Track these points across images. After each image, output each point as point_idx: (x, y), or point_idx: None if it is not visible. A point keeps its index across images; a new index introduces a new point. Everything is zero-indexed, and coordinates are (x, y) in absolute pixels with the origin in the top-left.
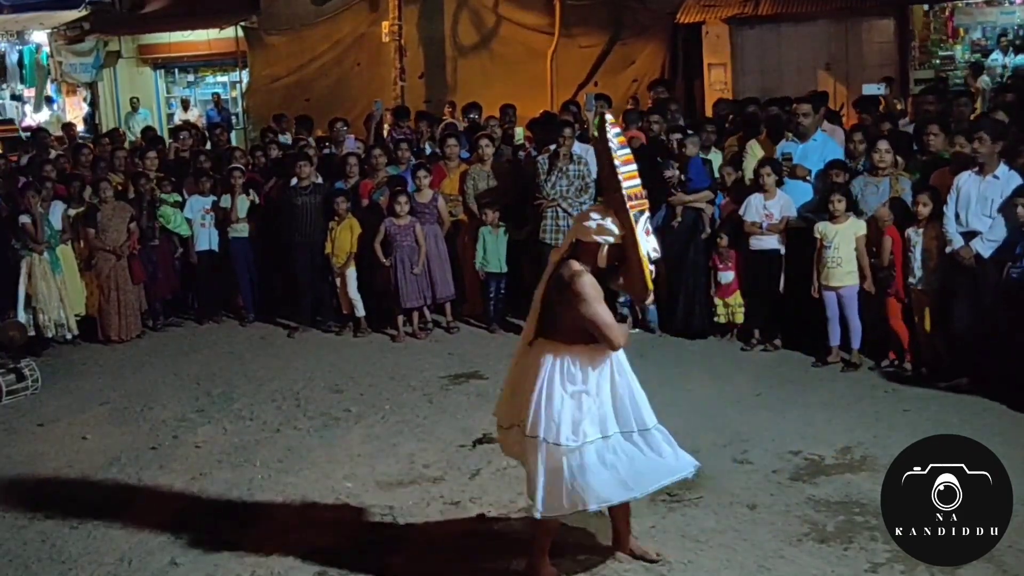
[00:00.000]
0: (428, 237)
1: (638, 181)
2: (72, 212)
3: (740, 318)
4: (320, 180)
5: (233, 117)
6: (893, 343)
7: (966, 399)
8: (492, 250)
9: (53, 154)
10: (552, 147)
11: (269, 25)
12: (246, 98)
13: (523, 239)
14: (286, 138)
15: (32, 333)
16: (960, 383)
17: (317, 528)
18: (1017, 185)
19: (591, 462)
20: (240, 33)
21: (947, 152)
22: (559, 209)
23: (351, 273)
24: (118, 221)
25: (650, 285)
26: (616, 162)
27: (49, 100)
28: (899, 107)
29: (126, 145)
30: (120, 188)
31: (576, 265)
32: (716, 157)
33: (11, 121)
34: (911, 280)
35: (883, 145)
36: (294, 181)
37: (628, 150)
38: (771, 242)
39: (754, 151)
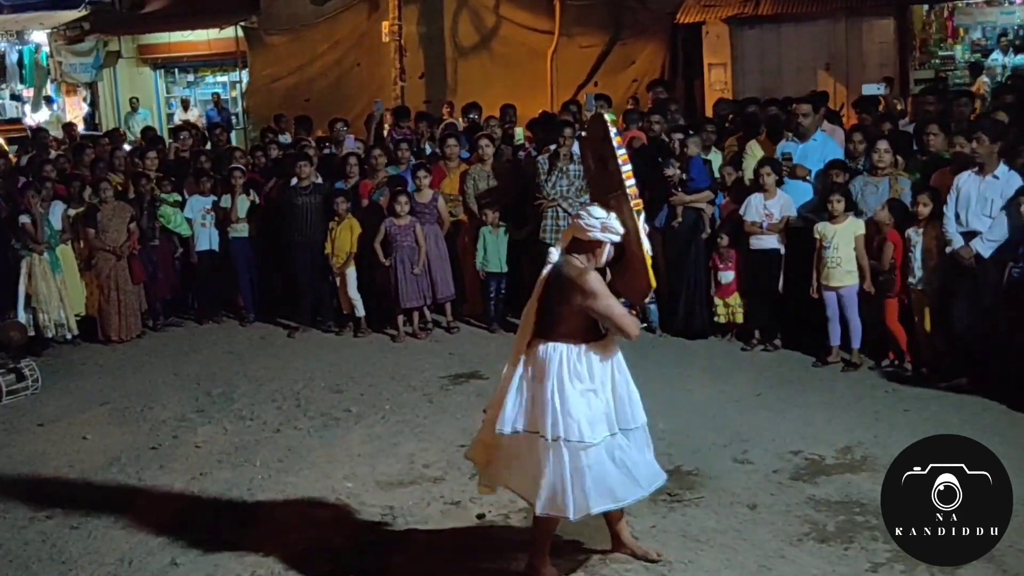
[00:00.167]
0: (428, 237)
1: (634, 181)
2: (72, 212)
3: (740, 318)
4: (320, 180)
5: (233, 117)
6: (892, 344)
7: (966, 399)
8: (492, 250)
9: (53, 154)
10: (552, 147)
11: (269, 25)
12: (246, 98)
13: (523, 239)
14: (286, 138)
15: (32, 333)
16: (960, 383)
17: (317, 528)
18: (1019, 185)
19: (605, 460)
20: (240, 33)
21: (947, 152)
22: (559, 209)
23: (351, 273)
24: (118, 221)
25: (653, 282)
26: (619, 161)
27: (49, 100)
28: (899, 107)
29: (126, 145)
30: (120, 188)
31: (578, 263)
32: (716, 157)
33: (18, 120)
34: (911, 280)
35: (882, 145)
36: (294, 181)
37: (624, 150)
38: (771, 242)
39: (754, 151)
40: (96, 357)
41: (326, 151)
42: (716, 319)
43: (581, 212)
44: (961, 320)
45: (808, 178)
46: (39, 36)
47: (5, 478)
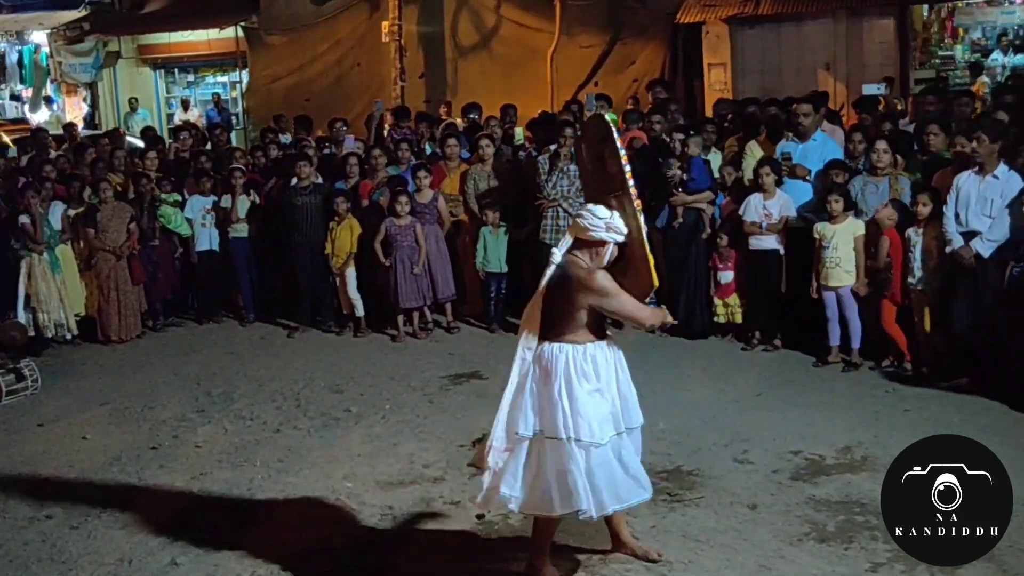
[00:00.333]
0: (428, 237)
1: (634, 181)
2: (72, 212)
3: (739, 318)
4: (320, 180)
5: (233, 117)
6: (892, 344)
7: (966, 399)
8: (492, 250)
9: (53, 154)
10: (553, 147)
11: (269, 25)
12: (246, 98)
13: (523, 239)
14: (286, 138)
15: (32, 333)
16: (960, 383)
17: (317, 528)
18: (1020, 186)
19: (612, 461)
20: (240, 33)
21: (947, 152)
22: (559, 209)
23: (351, 273)
24: (118, 221)
25: (656, 281)
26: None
27: (49, 100)
28: (899, 107)
29: (131, 139)
30: (120, 188)
31: (583, 262)
32: (716, 157)
33: (24, 120)
34: (911, 280)
35: (881, 145)
36: (294, 181)
37: (624, 151)
38: (770, 242)
39: (753, 151)
40: (96, 357)
41: (326, 151)
42: (716, 319)
43: (583, 212)
44: (961, 320)
45: (808, 178)
46: (39, 36)
47: (5, 478)
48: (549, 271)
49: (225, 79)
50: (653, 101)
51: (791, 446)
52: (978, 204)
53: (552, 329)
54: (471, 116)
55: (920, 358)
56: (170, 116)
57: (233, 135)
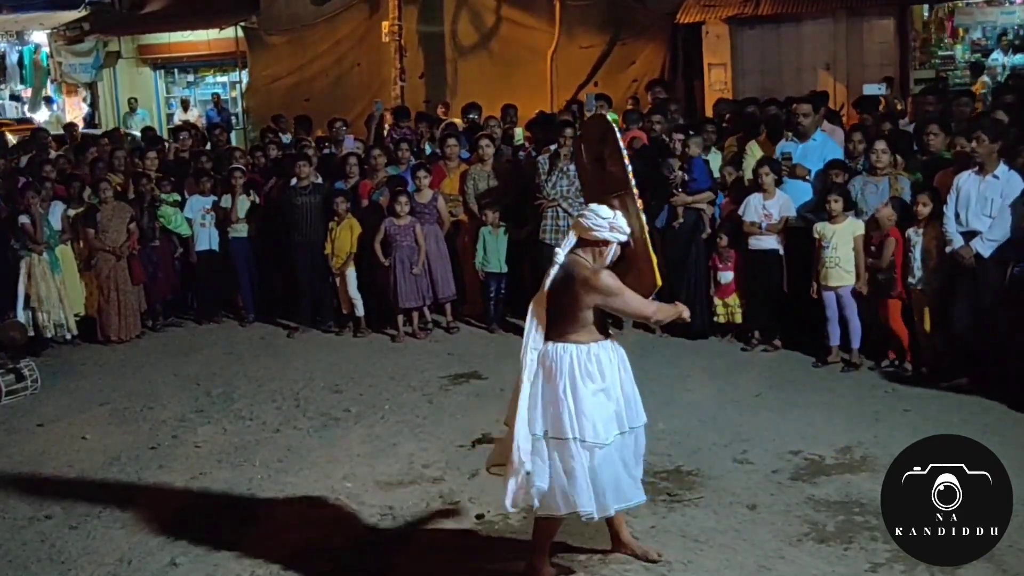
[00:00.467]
0: (428, 237)
1: (634, 181)
2: (72, 212)
3: (739, 318)
4: (320, 180)
5: (233, 117)
6: (893, 343)
7: (966, 399)
8: (492, 250)
9: (53, 154)
10: (553, 147)
11: (269, 25)
12: (246, 98)
13: (523, 239)
14: (286, 138)
15: (31, 333)
16: (960, 383)
17: (317, 528)
18: (1021, 186)
19: (616, 461)
20: (240, 33)
21: (947, 152)
22: (559, 209)
23: (351, 273)
24: (118, 221)
25: (659, 280)
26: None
27: (49, 100)
28: (899, 107)
29: (125, 145)
30: (120, 188)
31: (587, 262)
32: (716, 157)
33: (30, 120)
34: (911, 280)
35: (880, 145)
36: (294, 181)
37: (625, 151)
38: (770, 242)
39: (753, 151)
40: (96, 357)
41: (326, 151)
42: (716, 319)
43: (586, 212)
44: (961, 320)
45: (808, 178)
46: (39, 36)
47: (5, 478)
48: (552, 271)
49: (225, 79)
50: (653, 101)
51: (791, 446)
52: (978, 204)
53: (556, 329)
54: (471, 116)
55: (920, 358)
56: (170, 116)
57: (233, 135)
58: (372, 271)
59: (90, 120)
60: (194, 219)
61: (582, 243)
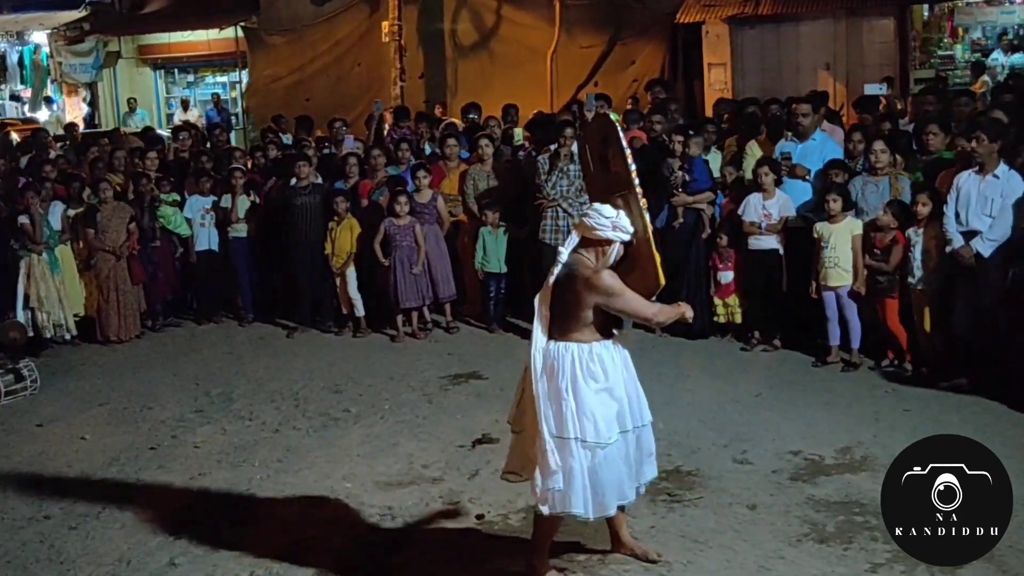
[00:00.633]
0: (428, 237)
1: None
2: (72, 212)
3: (739, 318)
4: (320, 180)
5: (233, 117)
6: (892, 344)
7: (966, 399)
8: (492, 250)
9: (53, 154)
10: (552, 147)
11: (269, 25)
12: (246, 98)
13: (523, 239)
14: (287, 138)
15: (31, 333)
16: (960, 383)
17: (316, 528)
18: (1021, 185)
19: (618, 460)
20: (240, 33)
21: (947, 152)
22: (559, 209)
23: (351, 273)
24: (118, 221)
25: (662, 280)
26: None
27: (49, 100)
28: (899, 107)
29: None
30: (120, 188)
31: (589, 262)
32: (716, 157)
33: (34, 120)
34: (911, 280)
35: (879, 145)
36: (294, 181)
37: (629, 150)
38: (770, 242)
39: (753, 151)
40: (95, 357)
41: (326, 151)
42: (716, 319)
43: (590, 211)
44: (961, 320)
45: (807, 178)
46: (39, 36)
47: (4, 478)
48: (555, 270)
49: (225, 79)
50: (653, 101)
51: (791, 446)
52: (978, 203)
53: (558, 328)
54: (471, 116)
55: (920, 358)
56: (170, 116)
57: (233, 135)
58: (372, 271)
59: (90, 120)
60: (194, 219)
61: (585, 242)
